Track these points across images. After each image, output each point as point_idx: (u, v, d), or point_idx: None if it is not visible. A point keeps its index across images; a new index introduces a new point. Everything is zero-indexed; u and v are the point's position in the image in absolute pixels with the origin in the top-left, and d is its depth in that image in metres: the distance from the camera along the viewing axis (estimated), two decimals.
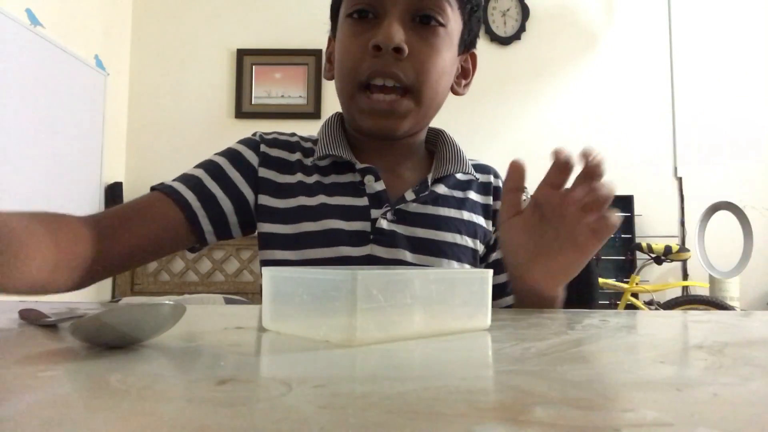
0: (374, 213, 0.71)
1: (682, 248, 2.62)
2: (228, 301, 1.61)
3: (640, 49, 2.96)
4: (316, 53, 2.94)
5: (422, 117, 0.72)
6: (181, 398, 0.22)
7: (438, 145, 0.80)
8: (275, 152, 0.76)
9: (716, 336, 0.40)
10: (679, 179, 2.91)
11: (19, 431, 0.18)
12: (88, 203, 2.63)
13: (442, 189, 0.75)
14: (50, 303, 0.53)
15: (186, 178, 0.72)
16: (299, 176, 0.74)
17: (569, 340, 0.37)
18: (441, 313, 0.39)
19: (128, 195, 2.84)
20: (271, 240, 0.71)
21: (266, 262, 0.72)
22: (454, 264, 0.72)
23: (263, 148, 0.76)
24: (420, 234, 0.71)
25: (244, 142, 0.77)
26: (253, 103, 2.98)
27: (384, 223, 0.70)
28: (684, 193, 2.89)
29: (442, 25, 0.68)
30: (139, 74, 3.00)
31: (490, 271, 0.42)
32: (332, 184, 0.73)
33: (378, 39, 0.65)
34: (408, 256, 0.70)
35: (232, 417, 0.20)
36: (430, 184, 0.74)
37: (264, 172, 0.74)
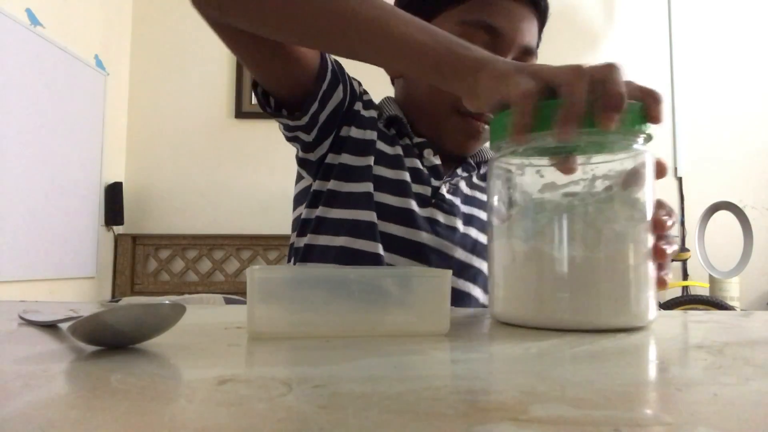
0: (434, 182, 0.75)
1: (682, 248, 2.61)
2: (228, 301, 1.61)
3: (640, 49, 2.96)
4: None
5: None
6: (181, 398, 0.22)
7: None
8: (367, 101, 0.79)
9: (716, 336, 0.40)
10: (679, 179, 2.91)
11: (19, 431, 0.18)
12: (88, 203, 2.63)
13: (475, 176, 0.82)
14: (50, 303, 0.53)
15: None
16: (378, 126, 0.78)
17: (569, 340, 0.37)
18: (379, 313, 0.38)
19: (128, 195, 2.84)
20: (365, 172, 0.72)
21: (348, 194, 0.72)
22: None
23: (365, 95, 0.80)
24: (467, 211, 0.77)
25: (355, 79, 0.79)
26: (253, 103, 2.97)
27: (445, 191, 0.75)
28: (684, 193, 2.89)
29: (534, 53, 0.75)
30: (139, 74, 3.00)
31: (449, 272, 0.39)
32: (401, 145, 0.77)
33: None
34: (461, 226, 0.75)
35: (232, 417, 0.20)
36: (474, 164, 0.81)
37: (360, 107, 0.76)
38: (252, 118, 2.94)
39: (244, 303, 0.41)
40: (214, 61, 3.00)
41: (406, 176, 0.73)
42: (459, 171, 0.79)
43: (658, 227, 0.42)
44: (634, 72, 2.85)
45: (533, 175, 0.44)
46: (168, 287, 2.84)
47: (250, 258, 2.87)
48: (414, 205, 0.72)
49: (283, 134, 0.75)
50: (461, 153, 0.79)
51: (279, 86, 0.68)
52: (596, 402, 0.22)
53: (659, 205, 0.45)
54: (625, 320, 0.41)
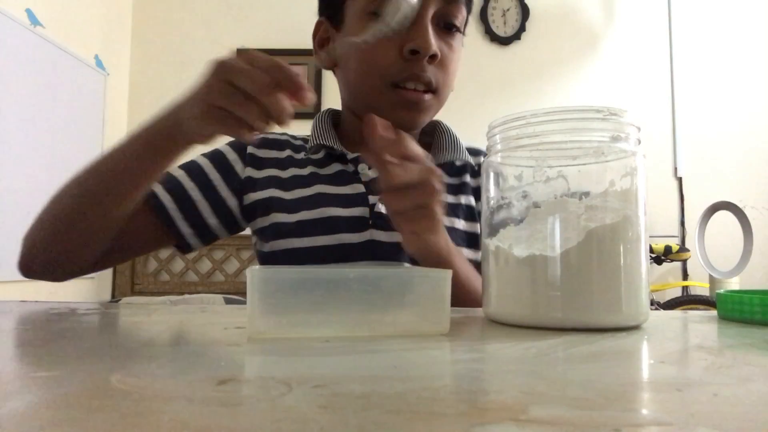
0: (372, 198, 0.72)
1: (682, 248, 2.61)
2: (228, 301, 1.61)
3: (640, 49, 2.96)
4: None
5: (436, 111, 0.74)
6: (181, 398, 0.22)
7: (435, 135, 0.81)
8: (263, 152, 0.77)
9: (716, 336, 0.40)
10: (679, 179, 2.91)
11: (19, 431, 0.18)
12: None
13: None
14: (50, 303, 0.53)
15: (166, 180, 0.73)
16: (292, 171, 0.76)
17: (569, 340, 0.37)
18: (378, 313, 0.38)
19: None
20: (279, 229, 0.72)
21: (274, 253, 0.72)
22: None
23: (250, 149, 0.77)
24: None
25: (231, 144, 0.78)
26: None
27: (383, 208, 0.71)
28: (684, 193, 2.89)
29: (459, 30, 0.72)
30: (139, 74, 3.00)
31: (449, 272, 0.40)
32: (327, 175, 0.75)
33: (418, 44, 0.66)
34: None
35: (232, 417, 0.20)
36: None
37: (251, 172, 0.75)
38: None
39: (244, 303, 0.40)
40: None
41: (333, 211, 0.71)
42: None
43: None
44: (634, 72, 2.83)
45: (527, 176, 0.44)
46: (168, 287, 2.84)
47: (250, 258, 2.86)
48: (346, 237, 0.70)
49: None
50: (402, 125, 0.69)
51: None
52: (596, 402, 0.22)
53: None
54: (618, 319, 0.41)
